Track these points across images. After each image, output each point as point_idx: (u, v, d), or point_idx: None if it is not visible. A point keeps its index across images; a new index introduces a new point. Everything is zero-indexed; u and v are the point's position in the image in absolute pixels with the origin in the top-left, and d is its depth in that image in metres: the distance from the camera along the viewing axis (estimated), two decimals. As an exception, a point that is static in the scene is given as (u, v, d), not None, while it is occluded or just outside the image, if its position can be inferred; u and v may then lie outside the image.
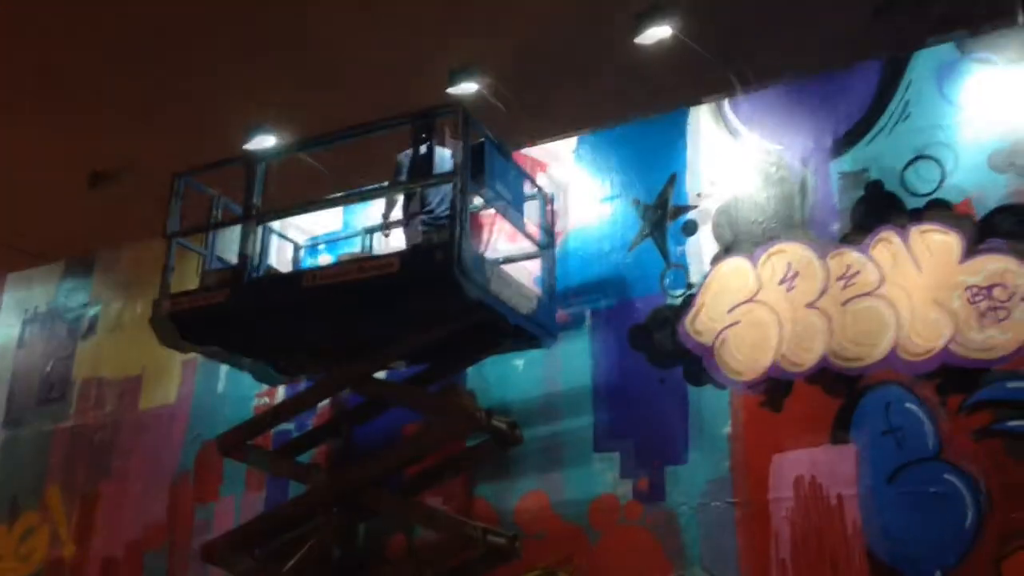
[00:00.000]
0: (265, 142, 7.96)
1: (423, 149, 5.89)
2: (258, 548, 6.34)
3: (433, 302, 5.77)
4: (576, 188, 7.36)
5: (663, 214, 6.93)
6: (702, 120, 7.03)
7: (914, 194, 6.08)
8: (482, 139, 6.11)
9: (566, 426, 6.75)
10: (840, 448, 5.80)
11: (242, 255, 6.19)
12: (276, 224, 7.50)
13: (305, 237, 8.11)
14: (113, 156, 9.38)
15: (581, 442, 6.65)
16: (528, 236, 6.75)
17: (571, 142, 7.54)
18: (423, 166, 5.86)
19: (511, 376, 7.07)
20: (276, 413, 6.48)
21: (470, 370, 7.14)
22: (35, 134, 9.01)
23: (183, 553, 7.94)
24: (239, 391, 8.16)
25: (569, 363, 6.89)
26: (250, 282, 6.16)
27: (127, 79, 8.05)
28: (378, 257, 5.77)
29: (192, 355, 8.35)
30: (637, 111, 7.36)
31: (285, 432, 7.51)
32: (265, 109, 7.89)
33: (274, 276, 6.36)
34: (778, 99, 6.79)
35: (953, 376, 5.61)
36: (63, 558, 8.63)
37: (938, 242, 5.90)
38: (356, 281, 5.75)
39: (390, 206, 6.80)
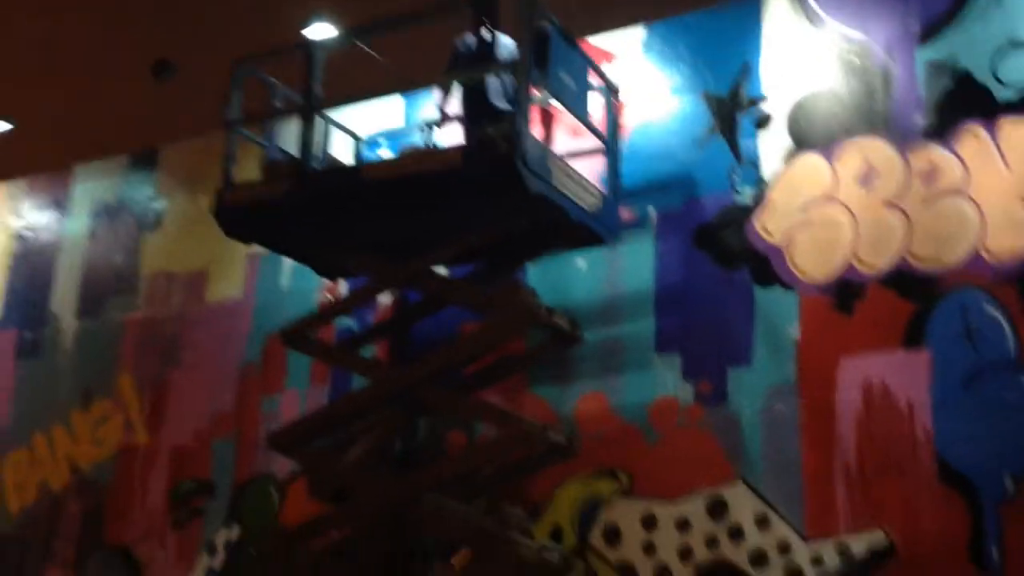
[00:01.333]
0: (323, 31, 7.74)
1: (483, 35, 5.63)
2: (322, 439, 6.40)
3: (495, 197, 5.61)
4: (642, 81, 7.05)
5: (734, 107, 6.62)
6: (779, 6, 6.63)
7: (1006, 84, 5.68)
8: (546, 23, 5.84)
9: (627, 327, 6.62)
10: (913, 353, 5.58)
11: (304, 145, 6.07)
12: (337, 119, 7.40)
13: (366, 133, 7.97)
14: (177, 45, 9.26)
15: (642, 343, 6.51)
16: (593, 130, 6.50)
17: (638, 31, 7.20)
18: (482, 53, 5.61)
19: (573, 277, 6.92)
20: (337, 306, 6.45)
21: (531, 270, 7.02)
22: (98, 19, 8.92)
23: (251, 442, 8.09)
24: (302, 285, 8.17)
25: (632, 263, 6.71)
26: (311, 173, 6.06)
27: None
28: (440, 150, 5.59)
29: (256, 250, 8.40)
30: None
31: (348, 330, 7.56)
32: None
33: (335, 168, 6.24)
34: (861, -17, 6.35)
35: (1038, 279, 5.32)
36: (136, 444, 8.86)
37: (1030, 136, 5.53)
38: (417, 174, 5.61)
39: (445, 95, 6.59)
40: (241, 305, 8.70)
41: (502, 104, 6.03)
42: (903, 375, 5.57)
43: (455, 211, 5.89)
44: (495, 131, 5.52)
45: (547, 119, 7.20)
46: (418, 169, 5.58)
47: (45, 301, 10.17)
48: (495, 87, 6.20)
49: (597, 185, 6.39)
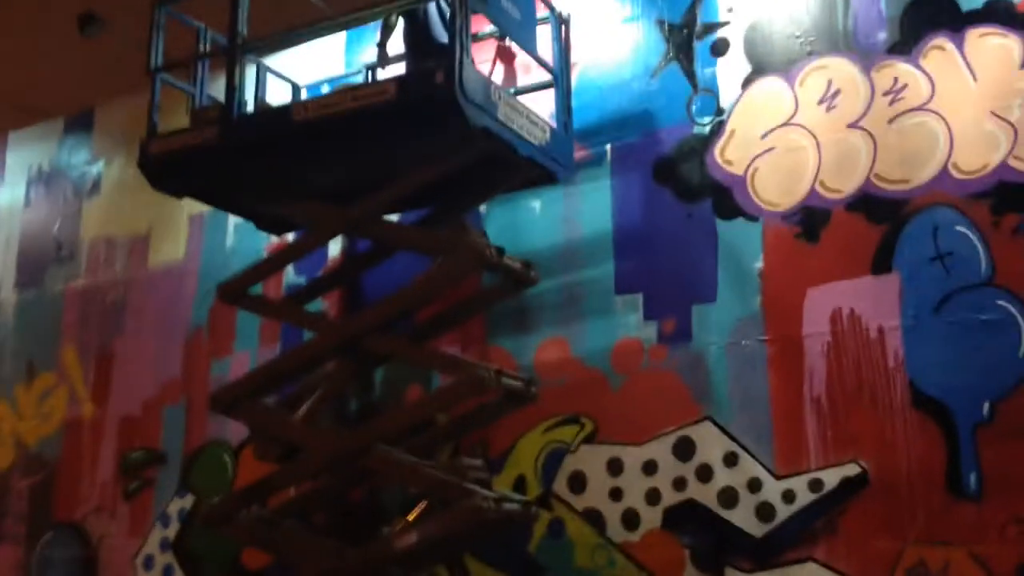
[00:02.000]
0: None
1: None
2: (268, 397, 6.08)
3: (436, 132, 5.28)
4: (593, 12, 6.72)
5: (690, 34, 6.31)
6: (732, -75, 6.30)
7: (970, -6, 5.41)
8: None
9: (587, 270, 6.33)
10: (882, 279, 5.33)
11: (229, 88, 5.70)
12: (274, 66, 7.03)
13: (307, 80, 7.59)
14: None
15: (602, 285, 6.24)
16: (541, 63, 6.17)
17: (588, -39, 6.86)
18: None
19: (527, 220, 6.63)
20: (276, 258, 6.10)
21: (484, 214, 6.73)
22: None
23: (200, 408, 7.76)
24: (248, 244, 7.82)
25: (589, 203, 6.42)
26: (239, 117, 5.69)
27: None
28: (373, 84, 5.25)
29: (199, 210, 8.06)
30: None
31: (298, 286, 7.23)
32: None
33: (264, 110, 5.87)
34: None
35: (1010, 194, 5.08)
36: (82, 417, 8.51)
37: (996, 46, 5.28)
38: (350, 111, 5.26)
39: (386, 32, 6.24)
40: (185, 268, 8.35)
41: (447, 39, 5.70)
42: (872, 302, 5.33)
43: (395, 152, 5.55)
44: (433, 63, 5.18)
45: (504, 56, 6.87)
46: (351, 106, 5.23)
47: (-18, 274, 9.76)
48: (438, 22, 5.86)
49: (548, 120, 6.06)
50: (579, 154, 6.46)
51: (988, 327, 4.99)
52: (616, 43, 6.57)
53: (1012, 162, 5.10)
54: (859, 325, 5.34)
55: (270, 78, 6.90)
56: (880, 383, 5.19)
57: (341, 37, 7.72)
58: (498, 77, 6.81)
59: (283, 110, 5.61)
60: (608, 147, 6.44)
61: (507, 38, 6.30)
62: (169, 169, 5.98)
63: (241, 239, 7.98)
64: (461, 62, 4.99)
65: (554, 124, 6.07)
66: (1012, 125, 5.14)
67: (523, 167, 5.74)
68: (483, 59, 6.66)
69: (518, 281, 5.71)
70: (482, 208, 6.76)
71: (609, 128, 6.47)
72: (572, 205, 6.49)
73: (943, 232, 5.21)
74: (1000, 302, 4.99)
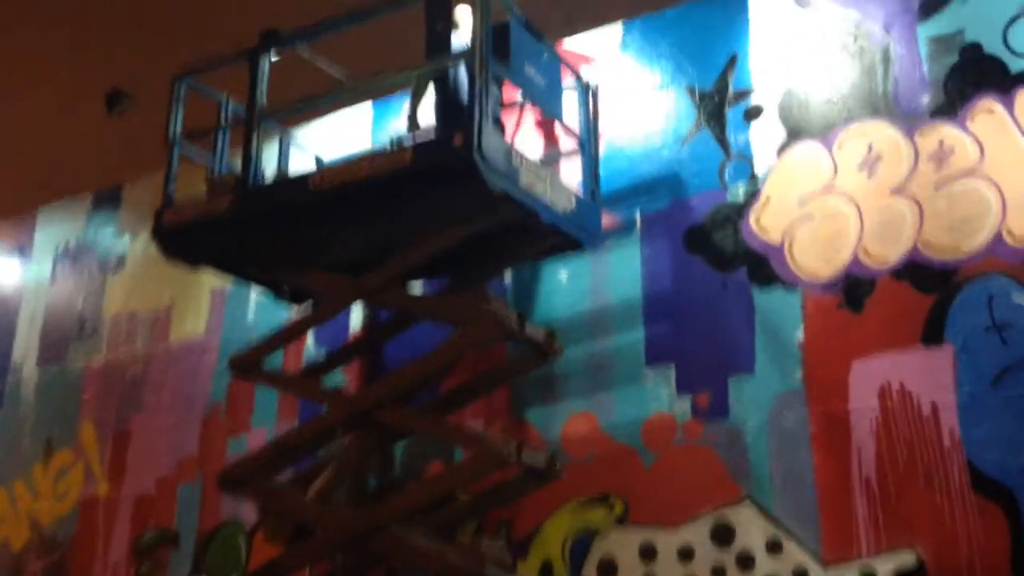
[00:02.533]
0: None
1: (437, 29, 5.14)
2: (281, 474, 5.79)
3: (455, 199, 5.09)
4: (622, 80, 6.57)
5: (722, 100, 6.12)
6: (765, -8, 6.17)
7: (1020, 55, 5.17)
8: (507, 13, 5.38)
9: (616, 340, 6.05)
10: (933, 350, 5.00)
11: (245, 157, 5.56)
12: (302, 140, 6.96)
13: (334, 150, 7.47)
14: (136, 75, 8.83)
15: (632, 356, 5.94)
16: (567, 129, 6.00)
17: (615, 30, 6.74)
18: (438, 45, 5.11)
19: (554, 288, 6.38)
20: (289, 330, 5.87)
21: (510, 284, 6.51)
22: (45, 58, 8.51)
23: (216, 487, 7.46)
24: (270, 318, 7.61)
25: (618, 271, 6.17)
26: (255, 186, 5.54)
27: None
28: (391, 150, 5.07)
29: (221, 284, 7.92)
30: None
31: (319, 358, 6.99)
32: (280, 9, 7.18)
33: (280, 179, 5.71)
34: (853, -38, 5.89)
35: (1069, 261, 4.76)
36: (97, 496, 8.26)
37: (1049, 108, 5.01)
38: (367, 178, 5.08)
39: (416, 99, 6.10)
40: (206, 342, 8.15)
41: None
42: (924, 375, 4.98)
43: (414, 219, 5.35)
44: (453, 127, 5.01)
45: (545, 124, 6.70)
46: (368, 173, 5.05)
47: (8, 351, 9.66)
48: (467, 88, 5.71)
49: (574, 187, 5.86)
50: (608, 222, 6.24)
51: (1050, 403, 4.62)
52: (646, 111, 6.40)
53: (1069, 226, 4.79)
54: (910, 400, 4.99)
55: (297, 153, 6.79)
56: (935, 463, 4.82)
57: (368, 111, 7.65)
58: (538, 144, 6.63)
59: (300, 179, 5.45)
60: (638, 214, 6.21)
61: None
62: (183, 239, 5.84)
63: (263, 313, 7.78)
64: (480, 126, 4.81)
65: (580, 192, 5.86)
66: (1068, 188, 4.84)
67: (547, 234, 5.52)
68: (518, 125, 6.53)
69: (541, 352, 5.42)
70: (507, 276, 6.54)
71: (639, 195, 6.26)
72: (600, 273, 6.24)
73: (998, 302, 4.89)
74: (1063, 377, 4.63)
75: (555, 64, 5.84)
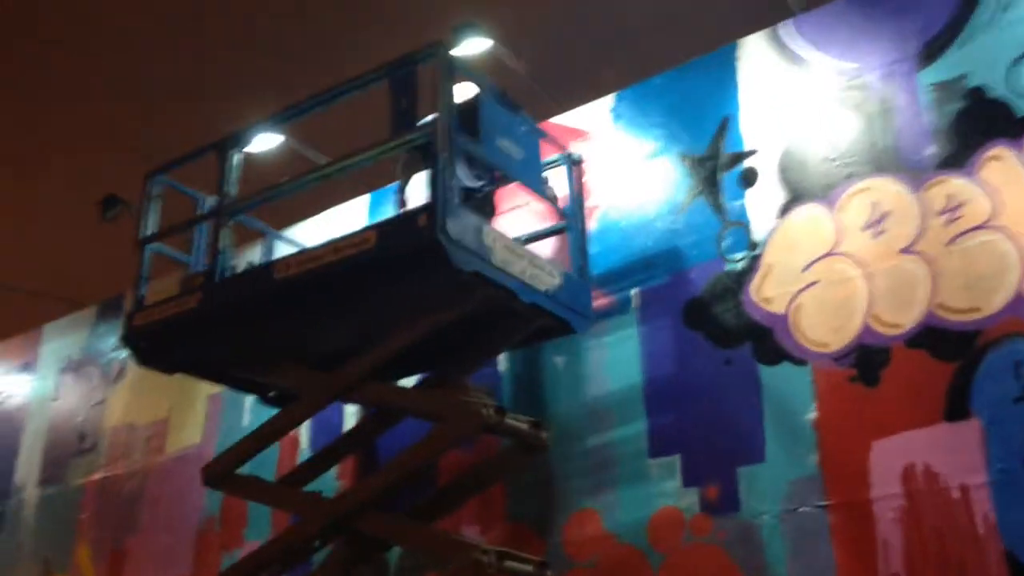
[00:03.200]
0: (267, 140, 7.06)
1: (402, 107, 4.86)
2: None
3: (426, 282, 4.72)
4: (615, 153, 6.23)
5: (715, 166, 5.74)
6: (756, 51, 5.84)
7: (1026, 96, 4.74)
8: (478, 86, 5.10)
9: (617, 430, 5.57)
10: (959, 426, 4.45)
11: (212, 250, 5.27)
12: (297, 236, 6.70)
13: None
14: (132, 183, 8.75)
15: (635, 447, 5.45)
16: (548, 204, 5.66)
17: (606, 102, 6.44)
18: (402, 121, 4.82)
19: (550, 377, 5.94)
20: (262, 433, 5.46)
21: (506, 373, 6.09)
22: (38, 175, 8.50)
23: (209, 608, 7.02)
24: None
25: (616, 355, 5.72)
26: (222, 280, 5.23)
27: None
28: (355, 233, 4.74)
29: (218, 390, 7.59)
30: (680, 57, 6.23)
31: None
32: (263, 102, 7.00)
33: (247, 270, 5.38)
34: (849, 8, 5.55)
35: (1103, 317, 4.23)
36: (91, 624, 7.83)
37: (1065, 150, 4.55)
38: (332, 264, 4.74)
39: (404, 179, 5.84)
40: (201, 452, 7.76)
41: (472, 183, 5.25)
42: (950, 454, 4.43)
43: (389, 307, 4.99)
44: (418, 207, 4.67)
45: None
46: (333, 258, 4.71)
47: (11, 471, 9.38)
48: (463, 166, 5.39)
49: (559, 264, 5.47)
50: (602, 301, 5.84)
51: (1096, 478, 4.04)
52: (640, 182, 6.03)
53: (1100, 278, 4.28)
54: (937, 483, 4.43)
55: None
56: (970, 554, 4.23)
57: (365, 204, 7.40)
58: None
59: (264, 268, 5.13)
60: (633, 292, 5.79)
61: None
62: (155, 342, 5.52)
63: (259, 417, 7.39)
64: (445, 203, 4.46)
65: (566, 267, 5.47)
66: (1094, 236, 4.34)
67: (531, 316, 5.11)
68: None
69: (527, 444, 4.95)
70: (501, 367, 6.13)
71: (634, 271, 5.85)
72: (598, 358, 5.79)
73: (1028, 366, 4.35)
74: (1108, 448, 4.05)
75: (534, 137, 5.52)
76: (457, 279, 4.56)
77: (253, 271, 5.28)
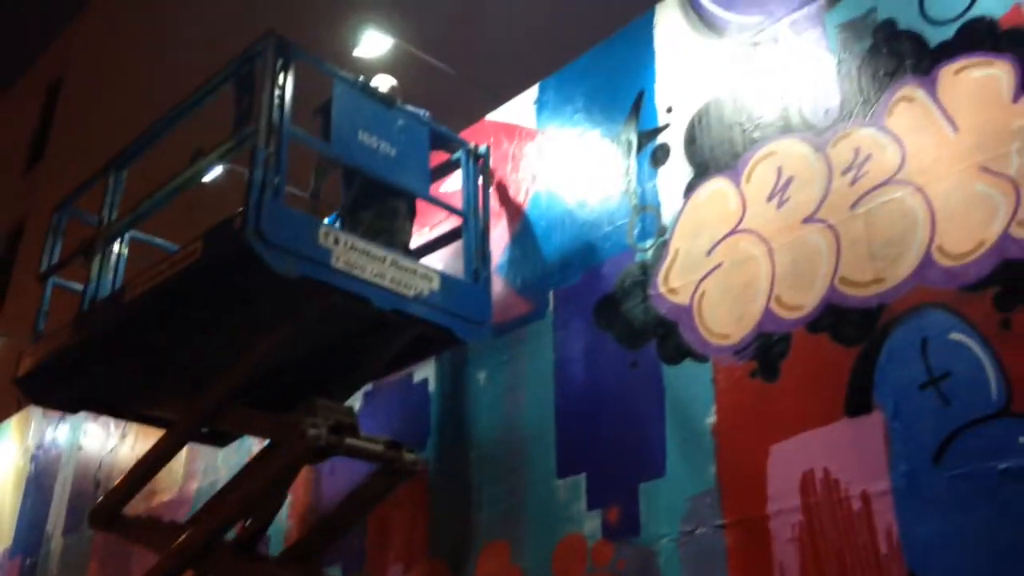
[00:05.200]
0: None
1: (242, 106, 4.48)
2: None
3: (262, 292, 4.30)
4: (537, 146, 5.69)
5: (629, 146, 5.12)
6: (669, 17, 5.20)
7: (939, 22, 3.96)
8: (335, 75, 4.69)
9: (530, 449, 4.97)
10: (860, 421, 3.68)
11: (86, 280, 5.01)
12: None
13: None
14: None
15: (544, 467, 4.84)
16: (433, 203, 5.18)
17: (531, 92, 5.92)
18: (242, 120, 4.43)
19: (472, 396, 5.42)
20: (139, 470, 5.12)
21: (434, 392, 5.61)
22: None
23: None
24: (240, 460, 6.96)
25: (532, 365, 5.15)
26: (89, 307, 4.95)
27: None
28: (188, 244, 4.37)
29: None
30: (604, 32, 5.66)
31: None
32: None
33: (105, 297, 5.06)
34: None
35: (1018, 277, 3.40)
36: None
37: (979, 80, 3.76)
38: (169, 280, 4.39)
39: (319, 180, 5.52)
40: (182, 496, 7.58)
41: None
42: (851, 456, 3.66)
43: (245, 320, 4.58)
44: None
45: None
46: (170, 272, 4.36)
47: (43, 522, 9.47)
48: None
49: (445, 271, 4.95)
50: (522, 309, 5.28)
51: (1011, 479, 3.21)
52: (560, 174, 5.47)
53: (1016, 231, 3.45)
54: (837, 492, 3.66)
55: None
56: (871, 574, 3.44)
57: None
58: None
59: (116, 291, 4.82)
60: (551, 294, 5.21)
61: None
62: (43, 380, 5.27)
63: (231, 455, 7.13)
64: (259, 204, 4.04)
65: (451, 271, 4.95)
66: (1011, 180, 3.53)
67: (401, 325, 4.59)
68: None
69: (391, 469, 4.42)
70: (430, 388, 5.64)
71: (551, 272, 5.27)
72: (516, 370, 5.23)
73: (935, 345, 3.56)
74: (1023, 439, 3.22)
75: (416, 131, 5.04)
76: (286, 285, 4.12)
77: (110, 295, 4.98)
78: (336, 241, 4.30)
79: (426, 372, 5.75)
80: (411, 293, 4.53)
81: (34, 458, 10.12)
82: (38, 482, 9.91)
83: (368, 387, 6.09)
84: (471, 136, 6.01)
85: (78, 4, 21.46)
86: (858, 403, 3.70)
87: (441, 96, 5.35)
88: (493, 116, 6.09)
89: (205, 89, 4.81)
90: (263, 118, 4.23)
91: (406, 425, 5.72)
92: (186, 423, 4.79)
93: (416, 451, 4.64)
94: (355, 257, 4.34)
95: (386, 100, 4.91)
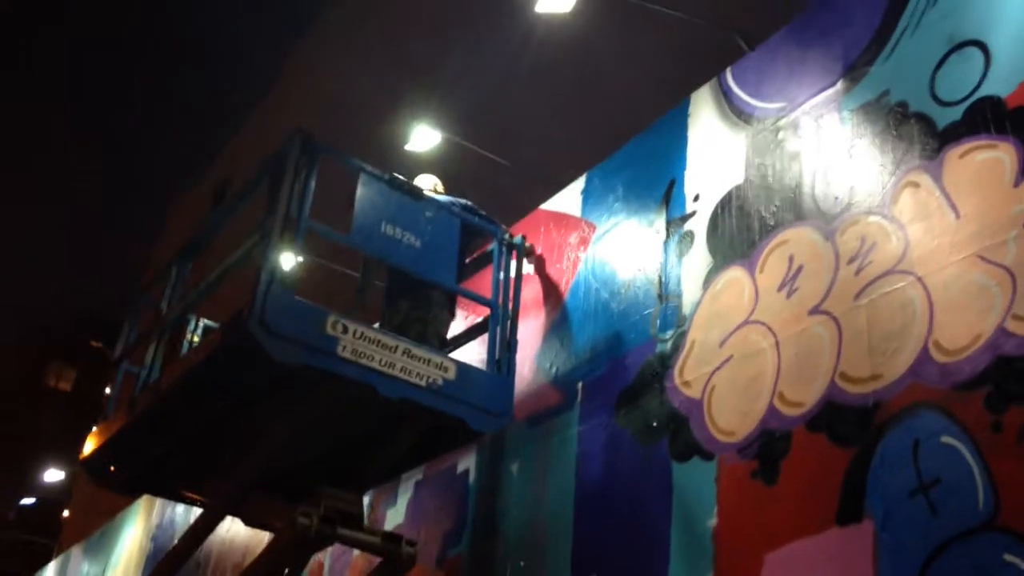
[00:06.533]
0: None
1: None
2: None
3: (275, 382, 4.42)
4: (581, 233, 5.68)
5: (659, 234, 5.03)
6: (703, 105, 5.14)
7: (948, 103, 3.76)
8: (360, 166, 4.85)
9: (549, 546, 4.85)
10: (849, 531, 3.42)
11: (153, 363, 5.26)
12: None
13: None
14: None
15: (560, 562, 4.70)
16: (463, 293, 5.22)
17: (580, 181, 5.93)
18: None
19: (505, 487, 5.35)
20: (179, 548, 5.23)
21: (472, 487, 5.58)
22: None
23: None
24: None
25: (557, 458, 5.05)
26: (138, 393, 5.20)
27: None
28: (212, 331, 4.55)
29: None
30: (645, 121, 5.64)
31: None
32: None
33: (151, 384, 5.28)
34: (781, 47, 4.77)
35: (1012, 376, 3.12)
36: None
37: (982, 163, 3.53)
38: (195, 367, 4.57)
39: (366, 277, 5.72)
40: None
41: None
42: (839, 569, 3.39)
43: (265, 409, 4.71)
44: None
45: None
46: (194, 360, 4.55)
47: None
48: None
49: (465, 362, 4.96)
50: (553, 399, 5.22)
51: (996, 599, 2.90)
52: (598, 263, 5.43)
53: (1011, 325, 3.18)
54: (825, 608, 3.38)
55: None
56: None
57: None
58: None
59: (157, 378, 5.04)
60: (579, 385, 5.13)
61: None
62: (106, 463, 5.54)
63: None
64: (265, 293, 4.18)
65: (472, 363, 4.95)
66: (1007, 270, 3.26)
67: (414, 415, 4.61)
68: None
69: (391, 561, 4.38)
70: (471, 478, 5.62)
71: (582, 362, 5.19)
72: (544, 463, 5.14)
73: (926, 448, 3.29)
74: (1008, 556, 2.91)
75: (446, 222, 5.11)
76: (292, 374, 4.23)
77: (155, 381, 5.20)
78: (344, 330, 4.38)
79: (468, 463, 5.74)
80: (422, 382, 4.54)
81: (154, 538, 10.55)
82: (155, 560, 10.32)
83: (419, 476, 6.13)
84: (525, 225, 6.06)
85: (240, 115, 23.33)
86: (849, 510, 3.43)
87: (497, 187, 5.38)
88: (547, 205, 6.12)
89: (248, 186, 5.05)
90: (279, 212, 4.39)
91: (446, 515, 5.70)
92: (214, 508, 4.92)
93: (415, 544, 4.58)
94: (363, 346, 4.39)
95: (413, 192, 5.01)
